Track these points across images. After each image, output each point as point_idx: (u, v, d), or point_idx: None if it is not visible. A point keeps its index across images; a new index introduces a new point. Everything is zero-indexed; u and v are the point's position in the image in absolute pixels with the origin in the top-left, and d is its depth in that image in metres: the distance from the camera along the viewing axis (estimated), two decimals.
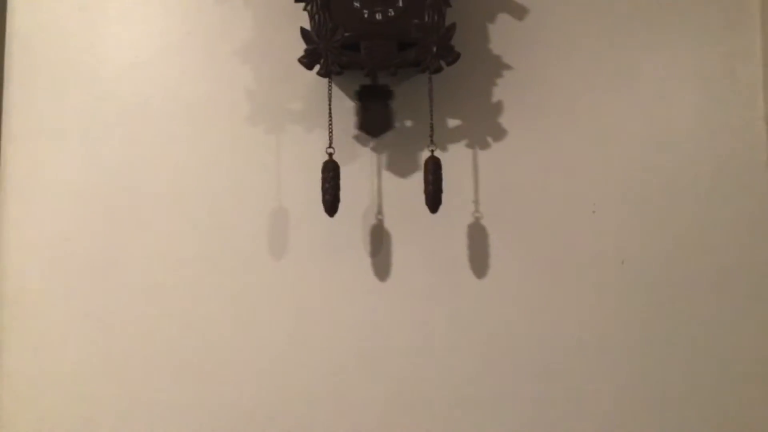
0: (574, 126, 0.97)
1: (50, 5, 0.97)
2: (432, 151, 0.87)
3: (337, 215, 0.87)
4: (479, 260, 0.95)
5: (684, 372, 0.94)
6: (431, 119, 0.88)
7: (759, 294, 0.95)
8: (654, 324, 0.95)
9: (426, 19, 0.86)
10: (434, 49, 0.85)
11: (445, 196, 0.91)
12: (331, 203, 0.84)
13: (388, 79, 0.92)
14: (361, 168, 0.95)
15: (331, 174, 0.85)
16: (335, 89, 0.94)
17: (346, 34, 0.85)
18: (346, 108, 0.95)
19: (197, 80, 0.96)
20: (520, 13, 0.99)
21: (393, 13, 0.86)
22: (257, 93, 0.95)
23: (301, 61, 0.86)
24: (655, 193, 0.97)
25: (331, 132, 0.87)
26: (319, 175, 0.86)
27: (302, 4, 0.87)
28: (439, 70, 0.86)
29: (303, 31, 0.86)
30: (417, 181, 0.92)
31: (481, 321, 0.94)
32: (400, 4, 0.86)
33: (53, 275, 0.93)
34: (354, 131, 0.94)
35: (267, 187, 0.94)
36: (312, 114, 0.94)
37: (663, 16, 0.99)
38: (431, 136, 0.88)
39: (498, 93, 0.98)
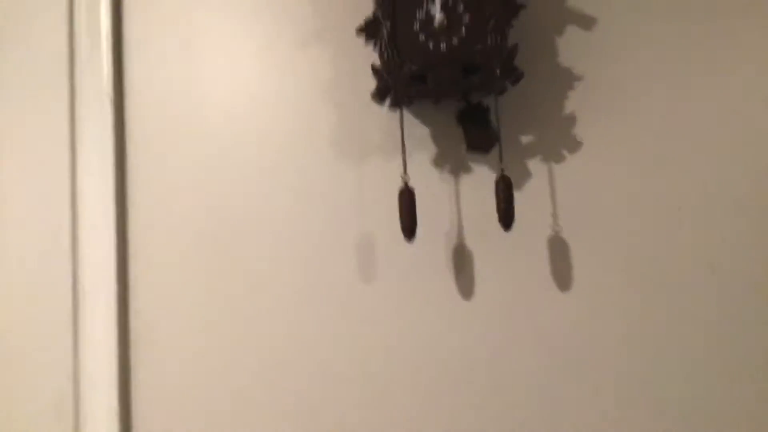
0: (651, 129, 0.96)
1: (157, 57, 1.07)
2: (502, 170, 0.89)
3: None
4: (562, 273, 0.96)
5: None
6: (499, 140, 0.90)
7: None
8: (749, 333, 0.92)
9: (489, 42, 0.88)
10: (497, 71, 0.87)
11: (524, 212, 0.94)
12: (409, 228, 0.88)
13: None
14: (438, 192, 0.98)
15: (407, 200, 0.89)
16: (413, 119, 0.98)
17: (413, 68, 0.89)
18: (419, 136, 0.99)
19: (287, 120, 1.03)
20: (587, 23, 0.99)
21: (456, 42, 0.89)
22: (340, 128, 1.01)
23: (373, 96, 0.90)
24: (744, 194, 0.94)
25: (404, 160, 0.91)
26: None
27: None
28: (503, 91, 0.88)
29: (373, 67, 0.91)
30: (492, 200, 0.95)
31: (568, 335, 0.95)
32: (463, 32, 0.89)
33: (177, 312, 1.03)
34: (427, 156, 0.98)
35: (353, 215, 0.99)
36: (389, 144, 0.99)
37: (739, 11, 0.96)
38: (500, 155, 0.90)
39: (570, 105, 0.98)
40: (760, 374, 0.91)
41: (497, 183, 0.89)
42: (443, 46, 0.89)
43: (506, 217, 0.88)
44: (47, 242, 1.07)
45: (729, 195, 0.94)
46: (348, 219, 0.99)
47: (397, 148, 0.96)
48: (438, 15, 0.89)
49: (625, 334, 0.94)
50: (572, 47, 0.99)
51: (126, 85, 1.08)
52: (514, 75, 0.88)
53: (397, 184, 0.93)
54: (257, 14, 1.05)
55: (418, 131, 0.98)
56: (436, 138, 0.99)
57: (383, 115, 0.99)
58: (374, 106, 0.96)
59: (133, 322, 1.04)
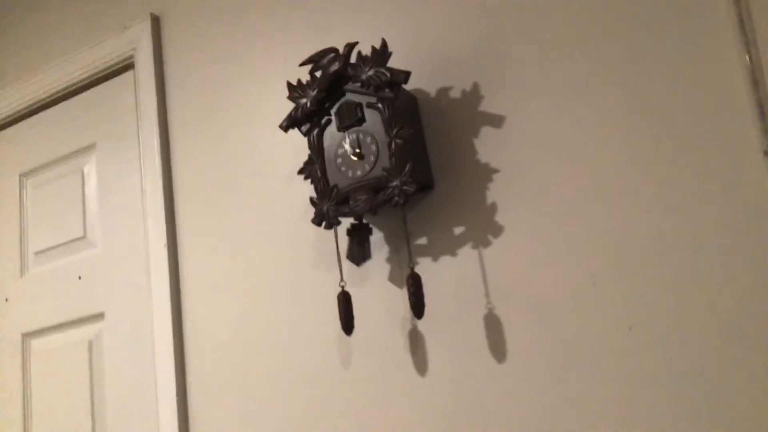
0: (564, 208, 1.06)
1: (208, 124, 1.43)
2: (411, 268, 1.06)
3: (380, 325, 1.11)
4: (497, 346, 1.08)
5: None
6: (408, 241, 1.09)
7: None
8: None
9: (390, 164, 1.07)
10: (396, 186, 1.06)
11: (462, 294, 1.09)
12: (347, 324, 1.09)
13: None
14: (375, 291, 1.18)
15: (343, 301, 1.10)
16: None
17: (338, 193, 1.11)
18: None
19: (283, 243, 1.31)
20: (497, 121, 1.13)
21: (368, 167, 1.10)
22: (315, 249, 1.26)
23: (313, 221, 1.14)
24: (653, 261, 0.99)
25: (341, 268, 1.12)
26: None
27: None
28: (406, 201, 1.06)
29: (311, 199, 1.14)
30: (437, 289, 1.12)
31: (505, 401, 1.06)
32: (372, 158, 1.10)
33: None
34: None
35: (325, 313, 1.22)
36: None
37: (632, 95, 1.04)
38: (409, 255, 1.08)
39: (491, 195, 1.12)
40: (683, 423, 0.93)
41: (407, 279, 1.06)
42: (359, 172, 1.10)
43: (416, 308, 1.04)
44: None
45: (639, 263, 1.00)
46: (319, 318, 1.23)
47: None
48: (348, 148, 1.11)
49: (554, 396, 1.02)
50: (487, 145, 1.13)
51: None
52: (413, 185, 1.06)
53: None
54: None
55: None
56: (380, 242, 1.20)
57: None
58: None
59: None
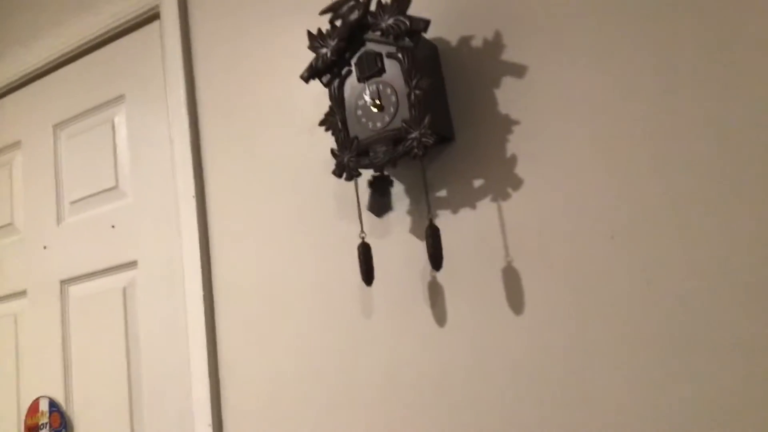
0: (584, 162, 1.04)
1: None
2: (430, 219, 1.06)
3: (400, 278, 1.13)
4: (516, 299, 1.08)
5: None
6: (427, 193, 1.08)
7: None
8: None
9: (410, 116, 1.07)
10: (415, 138, 1.05)
11: (480, 247, 1.10)
12: (367, 275, 1.10)
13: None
14: (395, 243, 1.19)
15: (363, 252, 1.11)
16: None
17: (359, 144, 1.11)
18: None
19: (308, 191, 1.32)
20: (519, 71, 1.11)
21: (388, 119, 1.09)
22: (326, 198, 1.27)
23: (334, 173, 1.14)
24: (670, 217, 0.97)
25: (361, 220, 1.13)
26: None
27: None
28: (425, 153, 1.05)
29: (332, 151, 1.15)
30: (456, 242, 1.12)
31: (523, 353, 1.07)
32: (392, 110, 1.09)
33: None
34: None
35: (346, 267, 1.24)
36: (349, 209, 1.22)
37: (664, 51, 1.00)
38: (428, 207, 1.08)
39: (510, 148, 1.11)
40: (699, 379, 0.93)
41: (426, 231, 1.06)
42: (378, 124, 1.10)
43: (434, 259, 1.05)
44: None
45: (658, 217, 0.98)
46: (342, 269, 1.24)
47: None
48: (368, 99, 1.10)
49: (570, 348, 1.03)
50: (508, 96, 1.11)
51: None
52: (432, 138, 1.05)
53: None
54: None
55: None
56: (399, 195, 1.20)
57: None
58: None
59: None
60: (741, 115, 0.94)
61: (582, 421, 1.01)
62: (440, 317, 1.15)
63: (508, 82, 1.12)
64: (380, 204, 1.14)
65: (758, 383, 0.90)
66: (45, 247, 1.78)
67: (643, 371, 0.97)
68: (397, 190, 1.20)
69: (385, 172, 1.17)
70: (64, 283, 1.72)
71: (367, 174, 1.16)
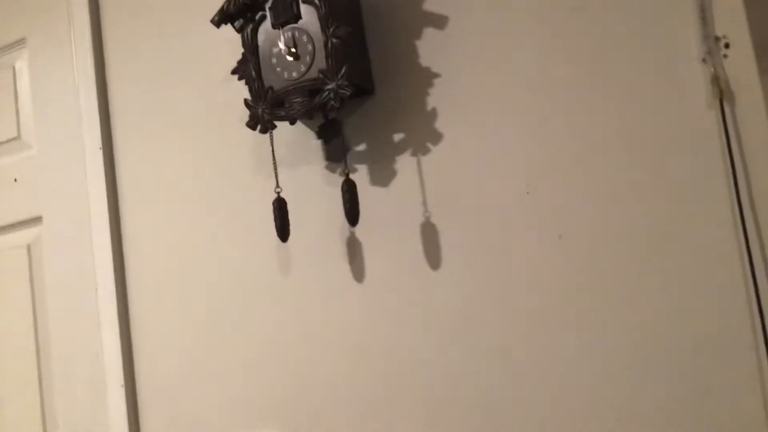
0: (503, 117, 1.03)
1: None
2: (347, 174, 1.04)
3: (315, 234, 1.10)
4: (433, 254, 1.07)
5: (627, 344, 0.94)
6: (342, 146, 1.05)
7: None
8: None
9: (326, 66, 1.02)
10: (332, 89, 1.01)
11: (399, 202, 1.08)
12: (282, 231, 1.07)
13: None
14: (313, 198, 1.16)
15: (278, 208, 1.07)
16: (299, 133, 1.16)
17: (272, 94, 1.06)
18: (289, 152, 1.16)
19: (217, 145, 1.26)
20: (441, 22, 1.08)
21: (304, 69, 1.05)
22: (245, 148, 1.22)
23: (247, 125, 1.09)
24: (584, 173, 0.98)
25: (276, 175, 1.09)
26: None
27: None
28: (342, 105, 1.02)
29: (245, 101, 1.09)
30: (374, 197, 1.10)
31: (442, 308, 1.07)
32: (308, 59, 1.04)
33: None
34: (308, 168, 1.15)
35: (262, 223, 1.20)
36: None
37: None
38: (345, 161, 1.05)
39: (431, 101, 1.08)
40: (605, 326, 0.95)
41: (342, 186, 1.03)
42: (294, 74, 1.05)
43: (350, 215, 1.03)
44: None
45: (573, 173, 0.98)
46: (258, 224, 1.21)
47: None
48: (283, 47, 1.05)
49: (484, 303, 1.03)
50: (429, 47, 1.09)
51: None
52: (350, 90, 1.01)
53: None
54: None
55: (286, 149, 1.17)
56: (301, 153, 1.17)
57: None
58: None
59: None
60: (663, 67, 0.94)
61: (496, 371, 1.02)
62: (358, 273, 1.13)
63: (429, 33, 1.09)
64: (340, 149, 1.09)
65: (661, 330, 0.92)
66: None
67: (553, 321, 0.99)
68: (316, 143, 1.17)
69: (330, 116, 1.11)
70: None
71: (284, 126, 1.12)
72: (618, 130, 0.96)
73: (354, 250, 1.13)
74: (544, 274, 1.00)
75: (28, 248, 1.52)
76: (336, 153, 1.13)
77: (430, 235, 1.08)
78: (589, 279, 0.97)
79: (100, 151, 1.38)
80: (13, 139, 1.56)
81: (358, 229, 1.13)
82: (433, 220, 1.08)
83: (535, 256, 1.00)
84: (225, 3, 1.07)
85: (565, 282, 0.98)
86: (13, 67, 1.57)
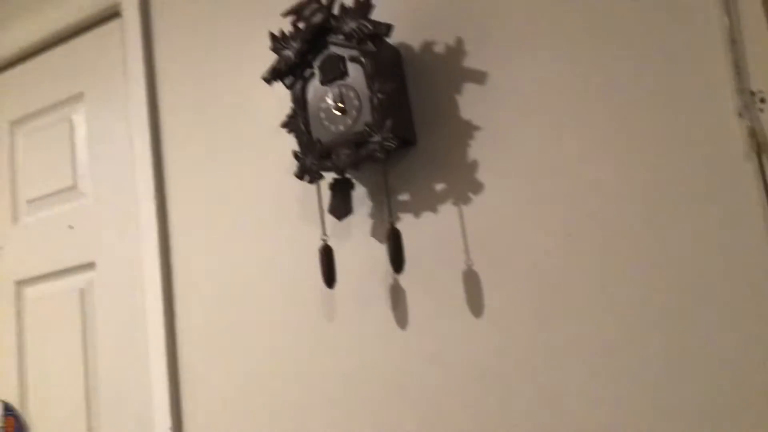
0: (543, 166, 1.06)
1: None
2: (391, 223, 1.08)
3: (357, 280, 1.13)
4: (475, 301, 1.10)
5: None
6: (388, 197, 1.09)
7: None
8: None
9: (372, 119, 1.07)
10: (377, 142, 1.06)
11: (441, 250, 1.11)
12: (328, 277, 1.11)
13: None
14: (357, 246, 1.20)
15: (325, 255, 1.11)
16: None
17: (321, 146, 1.11)
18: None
19: (269, 194, 1.32)
20: (480, 78, 1.13)
21: (350, 122, 1.10)
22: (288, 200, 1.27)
23: (296, 175, 1.14)
24: (629, 219, 1.00)
25: (323, 223, 1.13)
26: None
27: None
28: (387, 156, 1.06)
29: (294, 153, 1.15)
30: (418, 245, 1.14)
31: (482, 353, 1.08)
32: (355, 113, 1.09)
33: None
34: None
35: (306, 268, 1.25)
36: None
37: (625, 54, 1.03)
38: (389, 211, 1.09)
39: (472, 153, 1.12)
40: (659, 378, 0.96)
41: (387, 234, 1.07)
42: (341, 127, 1.11)
43: (395, 262, 1.06)
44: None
45: (613, 218, 1.01)
46: (304, 271, 1.25)
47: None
48: (331, 102, 1.11)
49: (528, 349, 1.05)
50: (469, 101, 1.13)
51: None
52: (394, 143, 1.06)
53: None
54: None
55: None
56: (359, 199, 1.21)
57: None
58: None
59: None
60: (695, 120, 0.97)
61: (542, 420, 1.03)
62: (401, 319, 1.16)
63: (469, 88, 1.13)
64: (342, 207, 1.14)
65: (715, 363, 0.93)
66: (0, 247, 1.73)
67: (597, 367, 1.00)
68: (360, 193, 1.21)
69: (347, 175, 1.17)
70: (20, 284, 1.68)
71: (329, 177, 1.17)
72: (656, 181, 0.98)
73: (397, 296, 1.16)
74: (589, 319, 1.01)
75: (81, 293, 1.58)
76: (338, 210, 1.15)
77: (472, 282, 1.10)
78: (633, 324, 0.98)
79: (154, 199, 1.45)
80: (70, 188, 1.64)
81: (402, 276, 1.16)
82: (475, 267, 1.11)
83: (578, 301, 1.02)
84: (276, 61, 1.14)
85: (612, 326, 1.00)
86: (71, 120, 1.67)
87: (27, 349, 1.64)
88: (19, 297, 1.68)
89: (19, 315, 1.67)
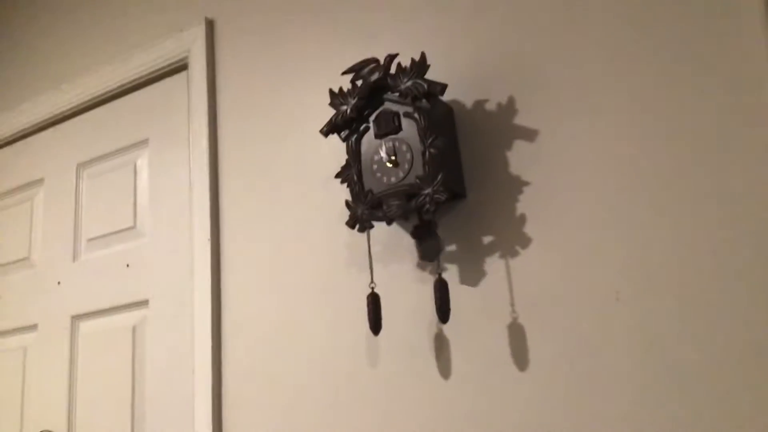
0: (593, 223, 1.08)
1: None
2: (439, 274, 1.10)
3: (407, 329, 1.16)
4: (520, 354, 1.11)
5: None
6: (437, 246, 1.12)
7: None
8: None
9: (423, 172, 1.11)
10: (428, 194, 1.10)
11: (487, 302, 1.13)
12: (375, 324, 1.13)
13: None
14: (405, 294, 1.23)
15: (372, 302, 1.14)
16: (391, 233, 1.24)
17: (373, 197, 1.15)
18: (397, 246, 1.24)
19: (321, 245, 1.37)
20: (530, 135, 1.16)
21: (402, 174, 1.14)
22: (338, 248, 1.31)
23: (347, 223, 1.18)
24: (681, 280, 1.00)
25: (371, 270, 1.17)
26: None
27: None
28: (437, 209, 1.10)
29: (347, 202, 1.19)
30: (464, 296, 1.16)
31: (526, 408, 1.08)
32: (407, 166, 1.14)
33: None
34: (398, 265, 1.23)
35: (353, 314, 1.27)
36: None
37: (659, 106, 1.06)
38: (438, 262, 1.12)
39: (520, 207, 1.15)
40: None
41: (435, 284, 1.10)
42: (393, 179, 1.15)
43: (441, 312, 1.08)
44: None
45: (662, 281, 1.01)
46: (351, 317, 1.27)
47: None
48: (384, 155, 1.15)
49: (572, 408, 1.05)
50: (519, 157, 1.16)
51: None
52: (444, 195, 1.09)
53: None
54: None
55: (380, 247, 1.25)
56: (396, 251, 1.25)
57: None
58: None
59: None
60: (748, 179, 0.98)
61: None
62: (445, 370, 1.17)
63: (519, 145, 1.17)
64: (431, 248, 1.17)
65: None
66: (59, 283, 1.81)
67: (643, 429, 0.99)
68: (409, 242, 1.24)
69: (426, 218, 1.18)
70: (75, 318, 1.75)
71: (408, 226, 1.22)
72: (705, 241, 0.99)
73: (441, 346, 1.18)
74: (632, 382, 1.01)
75: (133, 329, 1.63)
76: (429, 252, 1.20)
77: (517, 336, 1.11)
78: (679, 386, 0.97)
79: (208, 242, 1.51)
80: (129, 228, 1.72)
81: (447, 327, 1.18)
82: (521, 321, 1.12)
83: (624, 363, 1.02)
84: (334, 116, 1.20)
85: (654, 390, 0.99)
86: (135, 164, 1.76)
87: (77, 382, 1.69)
88: (73, 331, 1.74)
89: (72, 348, 1.73)
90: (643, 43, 1.08)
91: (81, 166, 1.87)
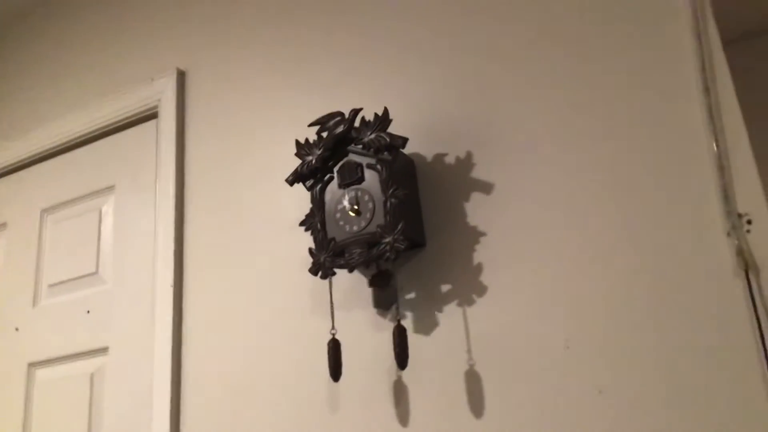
0: (547, 272, 1.13)
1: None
2: (399, 320, 1.13)
3: (364, 374, 1.17)
4: (476, 402, 1.13)
5: None
6: (396, 295, 1.15)
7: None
8: None
9: (385, 222, 1.15)
10: (388, 243, 1.13)
11: (444, 349, 1.15)
12: (335, 370, 1.15)
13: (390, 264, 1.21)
14: (365, 340, 1.25)
15: (332, 348, 1.16)
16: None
17: (335, 245, 1.18)
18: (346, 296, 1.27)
19: (283, 292, 1.38)
20: (486, 188, 1.21)
21: (364, 223, 1.18)
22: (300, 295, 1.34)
23: (310, 270, 1.21)
24: (629, 328, 1.05)
25: (333, 317, 1.19)
26: None
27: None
28: (397, 257, 1.13)
29: (310, 250, 1.22)
30: (422, 343, 1.18)
31: None
32: (369, 215, 1.17)
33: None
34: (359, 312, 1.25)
35: (316, 361, 1.28)
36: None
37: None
38: (397, 309, 1.15)
39: (477, 257, 1.19)
40: None
41: (394, 331, 1.12)
42: (355, 228, 1.18)
43: (400, 359, 1.11)
44: None
45: (611, 329, 1.05)
46: (311, 363, 1.29)
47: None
48: (347, 204, 1.19)
49: None
50: (477, 209, 1.21)
51: None
52: (404, 244, 1.13)
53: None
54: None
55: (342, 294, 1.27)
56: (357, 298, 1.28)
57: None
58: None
59: None
60: (687, 237, 1.03)
61: None
62: (403, 416, 1.18)
63: (476, 197, 1.22)
64: (386, 296, 1.19)
65: None
66: (17, 329, 1.78)
67: None
68: (369, 290, 1.27)
69: (383, 267, 1.21)
70: (33, 366, 1.72)
71: (341, 273, 1.23)
72: (649, 295, 1.04)
73: (400, 393, 1.19)
74: (581, 427, 1.04)
75: (91, 377, 1.61)
76: (387, 300, 1.23)
77: (473, 382, 1.14)
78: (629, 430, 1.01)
79: (171, 288, 1.51)
80: (91, 274, 1.72)
81: (405, 373, 1.20)
82: (477, 368, 1.14)
83: (575, 410, 1.05)
84: (299, 166, 1.23)
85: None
86: (100, 210, 1.77)
87: (32, 430, 1.65)
88: (29, 378, 1.71)
89: (27, 397, 1.69)
90: (598, 100, 1.15)
91: (45, 211, 1.87)
